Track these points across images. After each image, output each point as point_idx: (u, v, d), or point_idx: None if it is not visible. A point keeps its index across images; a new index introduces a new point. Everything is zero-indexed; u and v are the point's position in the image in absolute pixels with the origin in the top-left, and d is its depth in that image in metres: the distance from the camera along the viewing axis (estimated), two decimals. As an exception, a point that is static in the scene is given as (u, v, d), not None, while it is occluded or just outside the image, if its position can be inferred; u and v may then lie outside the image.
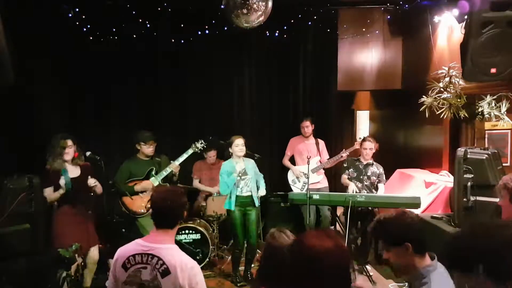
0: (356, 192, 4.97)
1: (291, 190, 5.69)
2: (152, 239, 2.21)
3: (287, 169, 5.85)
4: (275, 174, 6.16)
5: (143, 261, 2.15)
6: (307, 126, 5.70)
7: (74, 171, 4.16)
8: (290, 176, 5.81)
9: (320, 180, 5.70)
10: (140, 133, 4.78)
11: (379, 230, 1.92)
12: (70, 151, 4.11)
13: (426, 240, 1.89)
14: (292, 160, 5.87)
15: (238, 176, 4.65)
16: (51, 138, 4.13)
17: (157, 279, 2.12)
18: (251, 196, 4.73)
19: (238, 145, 4.64)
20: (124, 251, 2.24)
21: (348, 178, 5.19)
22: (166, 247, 2.17)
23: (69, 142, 4.11)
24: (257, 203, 4.75)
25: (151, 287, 2.13)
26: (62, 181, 4.00)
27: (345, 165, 5.26)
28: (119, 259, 2.22)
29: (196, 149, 4.92)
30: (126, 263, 2.19)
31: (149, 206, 4.62)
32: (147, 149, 4.72)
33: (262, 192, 4.84)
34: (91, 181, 4.14)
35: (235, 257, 4.83)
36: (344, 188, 5.23)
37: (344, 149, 5.46)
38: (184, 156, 4.83)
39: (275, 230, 2.34)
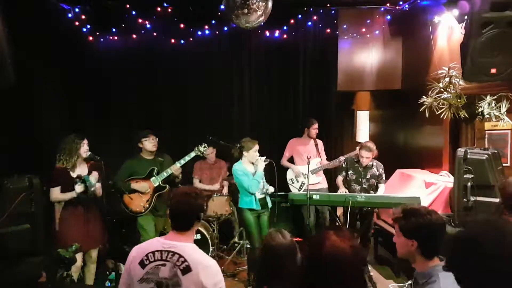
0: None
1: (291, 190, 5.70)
2: (172, 237, 2.21)
3: (287, 169, 5.85)
4: (275, 174, 6.15)
5: (163, 258, 2.13)
6: (316, 128, 5.70)
7: (82, 171, 4.18)
8: (289, 175, 5.80)
9: (319, 181, 5.70)
10: (139, 131, 4.81)
11: (401, 215, 1.95)
12: (85, 151, 4.16)
13: (438, 247, 1.90)
14: (291, 162, 5.86)
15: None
16: (63, 139, 4.14)
17: (177, 276, 2.09)
18: (265, 198, 4.72)
19: (256, 150, 4.59)
20: (143, 248, 2.21)
21: (347, 180, 5.18)
22: (187, 245, 2.17)
23: (85, 143, 4.17)
24: (269, 204, 4.74)
25: (170, 285, 2.09)
26: (79, 188, 4.01)
27: (344, 165, 5.25)
28: (136, 257, 2.18)
29: (199, 153, 4.91)
30: (144, 260, 2.15)
31: (147, 206, 4.66)
32: (149, 144, 4.71)
33: (271, 188, 4.81)
34: (93, 177, 4.14)
35: (251, 260, 4.73)
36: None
37: (343, 155, 5.42)
38: (186, 158, 4.82)
39: (272, 231, 2.35)
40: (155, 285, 2.11)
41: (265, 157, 4.61)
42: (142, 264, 2.14)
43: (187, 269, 2.08)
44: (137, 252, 2.21)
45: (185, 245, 2.16)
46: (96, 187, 4.15)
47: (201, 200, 2.26)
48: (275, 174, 4.75)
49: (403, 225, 1.91)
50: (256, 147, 4.60)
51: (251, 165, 4.64)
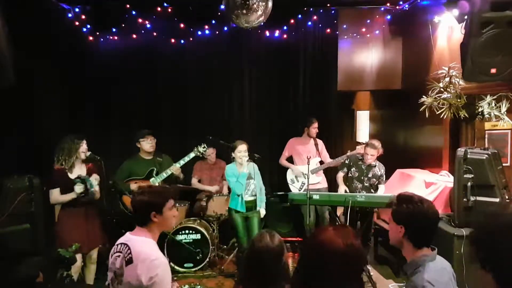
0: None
1: (291, 190, 5.70)
2: (135, 231, 2.30)
3: (287, 168, 5.85)
4: (275, 174, 6.16)
5: (120, 249, 2.25)
6: (316, 128, 5.70)
7: (81, 172, 4.18)
8: (289, 175, 5.80)
9: (319, 181, 5.69)
10: (137, 131, 4.82)
11: (395, 201, 1.98)
12: (84, 152, 4.16)
13: (428, 238, 1.92)
14: (291, 161, 5.86)
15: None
16: (62, 139, 4.14)
17: (123, 267, 2.18)
18: (254, 200, 4.73)
19: (241, 151, 4.60)
20: (117, 241, 2.34)
21: (349, 177, 5.19)
22: (141, 239, 2.24)
23: (84, 143, 4.17)
24: (260, 207, 4.77)
25: (119, 274, 2.20)
26: (79, 188, 3.98)
27: (346, 162, 5.25)
28: (112, 249, 2.33)
29: (198, 153, 4.91)
30: (112, 252, 2.30)
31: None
32: (147, 144, 4.73)
33: (263, 211, 4.81)
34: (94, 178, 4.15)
35: (239, 259, 4.87)
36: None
37: (349, 151, 5.42)
38: (186, 159, 4.83)
39: (263, 232, 2.32)
40: (113, 274, 2.24)
41: (247, 158, 4.62)
42: (111, 255, 2.30)
43: (129, 261, 2.17)
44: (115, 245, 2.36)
45: (137, 239, 2.24)
46: (95, 190, 4.13)
47: (148, 197, 2.26)
48: (254, 171, 4.73)
49: (394, 210, 1.96)
50: (241, 147, 4.61)
51: (241, 166, 4.65)
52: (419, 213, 1.88)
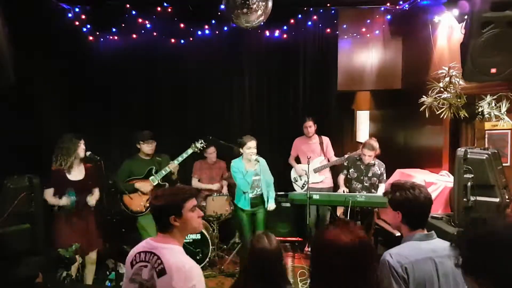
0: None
1: (294, 189, 5.72)
2: (158, 239, 2.16)
3: (290, 168, 5.87)
4: (275, 174, 6.14)
5: (146, 259, 2.10)
6: (310, 126, 5.69)
7: (79, 174, 4.18)
8: (292, 174, 5.84)
9: (322, 180, 5.69)
10: (139, 132, 4.82)
11: (389, 190, 2.16)
12: (82, 151, 4.18)
13: (421, 219, 2.10)
14: (298, 161, 5.89)
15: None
16: (61, 139, 4.15)
17: (153, 279, 2.04)
18: (260, 196, 4.73)
19: (250, 147, 4.60)
20: (135, 248, 2.20)
21: (348, 178, 5.19)
22: (168, 247, 2.10)
23: (82, 142, 4.19)
24: (266, 205, 4.76)
25: (148, 287, 2.06)
26: (65, 201, 4.05)
27: (345, 163, 5.26)
28: (130, 256, 2.19)
29: (196, 149, 4.92)
30: (133, 261, 2.15)
31: (148, 205, 4.69)
32: (147, 147, 4.75)
33: (272, 205, 4.80)
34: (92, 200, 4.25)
35: (241, 257, 4.90)
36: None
37: (348, 152, 5.43)
38: (184, 156, 4.85)
39: (260, 234, 2.33)
40: (139, 286, 2.09)
41: (255, 156, 4.61)
42: (131, 264, 2.15)
43: (162, 272, 2.03)
44: (131, 252, 2.21)
45: (165, 247, 2.10)
46: (89, 202, 4.24)
47: (164, 200, 2.12)
48: (261, 166, 4.73)
49: (390, 198, 2.14)
50: (250, 144, 4.60)
51: (249, 163, 4.65)
52: (412, 199, 2.06)
